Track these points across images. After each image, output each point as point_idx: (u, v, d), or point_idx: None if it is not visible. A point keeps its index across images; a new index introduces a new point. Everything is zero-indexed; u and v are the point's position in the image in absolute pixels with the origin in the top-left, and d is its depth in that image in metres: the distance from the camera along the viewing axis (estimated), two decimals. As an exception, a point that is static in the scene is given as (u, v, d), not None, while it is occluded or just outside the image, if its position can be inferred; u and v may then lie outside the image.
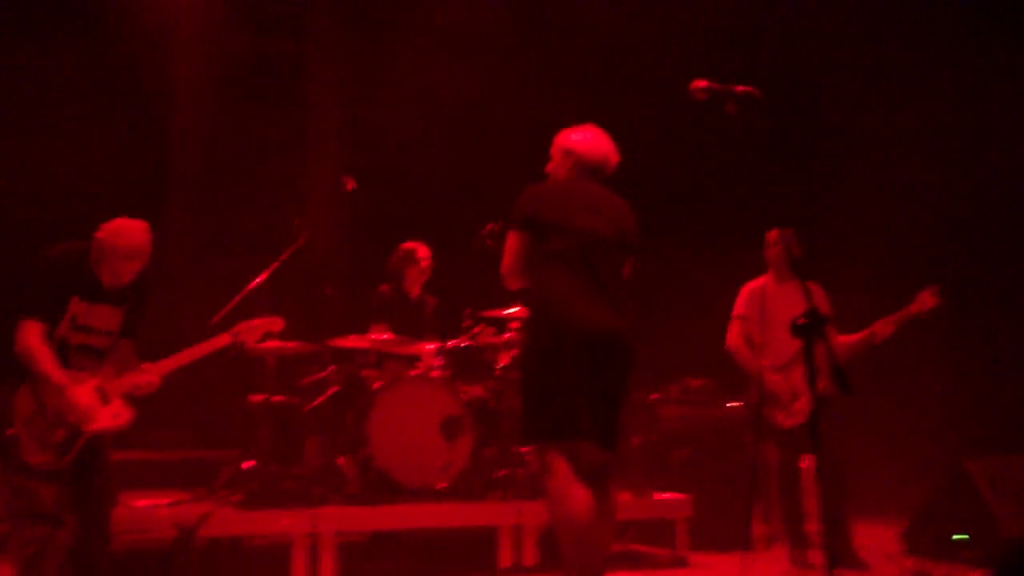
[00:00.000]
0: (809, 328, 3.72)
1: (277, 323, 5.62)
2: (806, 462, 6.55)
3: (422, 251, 7.55)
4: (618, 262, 4.72)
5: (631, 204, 4.78)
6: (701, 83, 4.09)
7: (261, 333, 5.53)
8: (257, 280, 6.95)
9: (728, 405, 7.58)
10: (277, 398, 6.95)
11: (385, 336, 6.97)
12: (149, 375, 5.05)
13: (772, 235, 6.64)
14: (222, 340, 5.35)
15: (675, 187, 9.72)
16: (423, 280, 7.59)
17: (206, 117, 9.58)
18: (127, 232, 4.94)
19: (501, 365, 6.90)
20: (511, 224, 4.67)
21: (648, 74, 9.09)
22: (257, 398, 7.00)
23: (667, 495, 6.87)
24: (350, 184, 7.42)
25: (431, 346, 7.00)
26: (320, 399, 7.01)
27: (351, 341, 6.93)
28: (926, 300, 6.30)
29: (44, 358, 4.76)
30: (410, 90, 9.28)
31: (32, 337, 4.76)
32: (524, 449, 6.53)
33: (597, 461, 4.47)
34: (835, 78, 9.86)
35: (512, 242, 4.65)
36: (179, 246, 9.39)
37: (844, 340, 6.50)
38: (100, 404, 4.91)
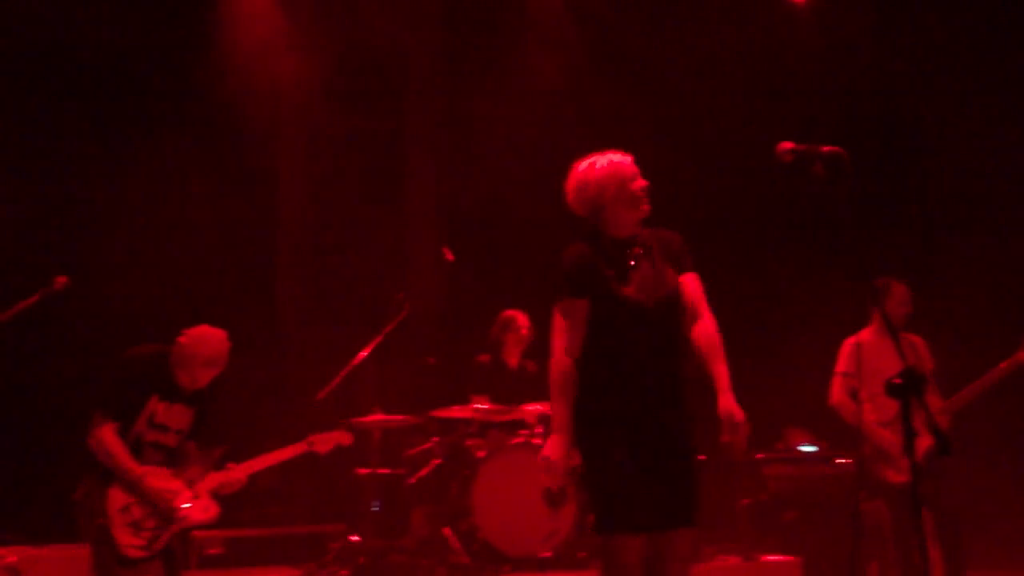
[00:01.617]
0: (905, 388, 3.63)
1: (347, 438, 6.04)
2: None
3: (521, 319, 7.55)
4: None
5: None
6: (787, 145, 3.99)
7: (332, 445, 5.95)
8: (362, 354, 7.11)
9: (837, 462, 7.41)
10: (383, 470, 7.05)
11: (486, 406, 7.01)
12: (237, 473, 5.37)
13: (873, 288, 6.53)
14: (299, 448, 5.80)
15: (783, 241, 9.65)
16: (522, 348, 7.59)
17: (310, 195, 9.85)
18: (209, 341, 5.33)
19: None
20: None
21: (748, 129, 9.07)
22: (363, 471, 7.12)
23: (776, 557, 6.74)
24: (449, 255, 7.55)
25: (533, 408, 6.99)
26: (425, 470, 7.08)
27: (454, 411, 7.00)
28: (1032, 349, 6.13)
29: (118, 450, 5.06)
30: (506, 161, 9.39)
31: (105, 434, 5.06)
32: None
33: None
34: (939, 128, 9.71)
35: None
36: (288, 320, 9.63)
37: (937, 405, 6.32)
38: (192, 498, 5.15)
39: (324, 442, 5.89)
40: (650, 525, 4.00)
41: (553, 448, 4.03)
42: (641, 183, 4.27)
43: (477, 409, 6.95)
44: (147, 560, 5.02)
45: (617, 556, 4.00)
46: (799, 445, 7.60)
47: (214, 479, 5.30)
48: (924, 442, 5.70)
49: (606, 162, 4.30)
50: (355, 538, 6.77)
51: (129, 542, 4.97)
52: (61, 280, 5.79)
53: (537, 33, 9.78)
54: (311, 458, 7.77)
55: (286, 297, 9.73)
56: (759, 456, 7.49)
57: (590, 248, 4.22)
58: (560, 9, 9.86)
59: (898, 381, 3.64)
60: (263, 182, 9.63)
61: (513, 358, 7.54)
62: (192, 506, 5.17)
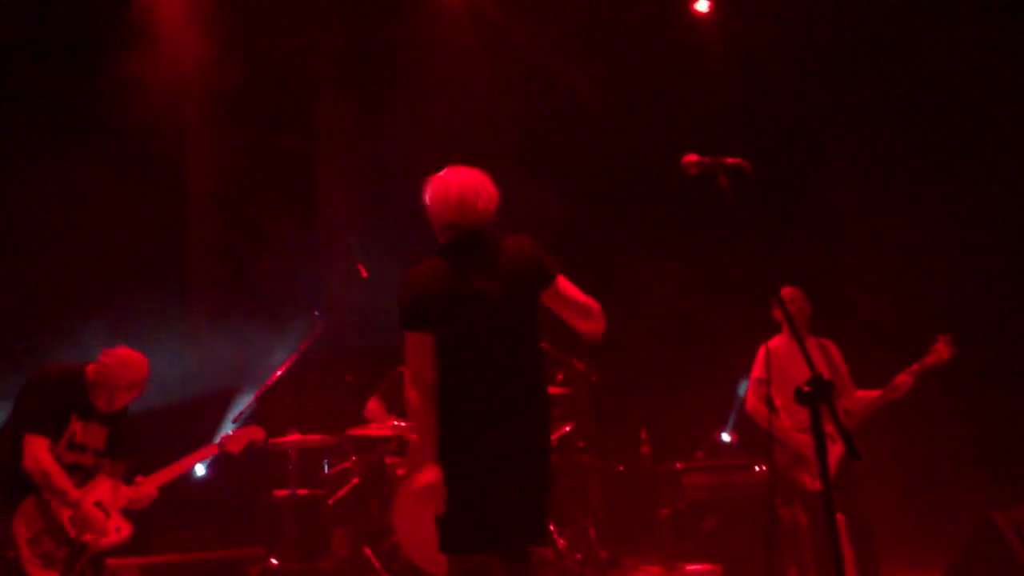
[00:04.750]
0: (813, 395, 3.67)
1: (259, 433, 5.95)
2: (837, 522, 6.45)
3: None
4: None
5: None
6: (692, 158, 4.00)
7: (245, 443, 5.85)
8: (276, 374, 7.01)
9: (755, 469, 7.49)
10: (301, 492, 6.95)
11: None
12: (146, 487, 5.22)
13: (780, 295, 6.60)
14: (210, 450, 5.68)
15: (695, 249, 9.74)
16: None
17: (221, 212, 9.70)
18: (131, 365, 5.19)
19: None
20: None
21: (647, 142, 9.16)
22: (281, 493, 7.01)
23: (697, 566, 6.78)
24: (363, 272, 7.49)
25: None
26: (344, 490, 6.99)
27: (372, 429, 6.91)
28: (942, 350, 6.26)
29: (57, 474, 4.88)
30: (418, 177, 9.35)
31: (42, 453, 4.88)
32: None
33: None
34: (837, 139, 9.91)
35: None
36: (200, 338, 9.45)
37: (863, 396, 6.45)
38: (104, 519, 5.00)
39: (235, 441, 5.80)
40: None
41: None
42: None
43: (396, 426, 6.87)
44: None
45: None
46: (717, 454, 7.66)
47: (123, 496, 5.15)
48: (837, 448, 5.80)
49: None
50: (274, 561, 6.67)
51: (40, 572, 4.80)
52: None
53: (446, 50, 9.77)
54: (227, 482, 7.69)
55: (197, 315, 9.55)
56: (678, 466, 7.55)
57: None
58: (468, 26, 9.86)
59: (807, 389, 3.67)
60: (171, 198, 9.47)
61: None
62: (105, 527, 5.02)
